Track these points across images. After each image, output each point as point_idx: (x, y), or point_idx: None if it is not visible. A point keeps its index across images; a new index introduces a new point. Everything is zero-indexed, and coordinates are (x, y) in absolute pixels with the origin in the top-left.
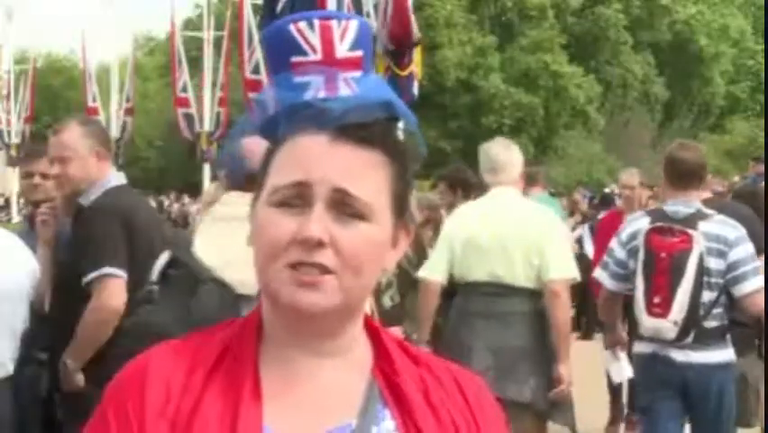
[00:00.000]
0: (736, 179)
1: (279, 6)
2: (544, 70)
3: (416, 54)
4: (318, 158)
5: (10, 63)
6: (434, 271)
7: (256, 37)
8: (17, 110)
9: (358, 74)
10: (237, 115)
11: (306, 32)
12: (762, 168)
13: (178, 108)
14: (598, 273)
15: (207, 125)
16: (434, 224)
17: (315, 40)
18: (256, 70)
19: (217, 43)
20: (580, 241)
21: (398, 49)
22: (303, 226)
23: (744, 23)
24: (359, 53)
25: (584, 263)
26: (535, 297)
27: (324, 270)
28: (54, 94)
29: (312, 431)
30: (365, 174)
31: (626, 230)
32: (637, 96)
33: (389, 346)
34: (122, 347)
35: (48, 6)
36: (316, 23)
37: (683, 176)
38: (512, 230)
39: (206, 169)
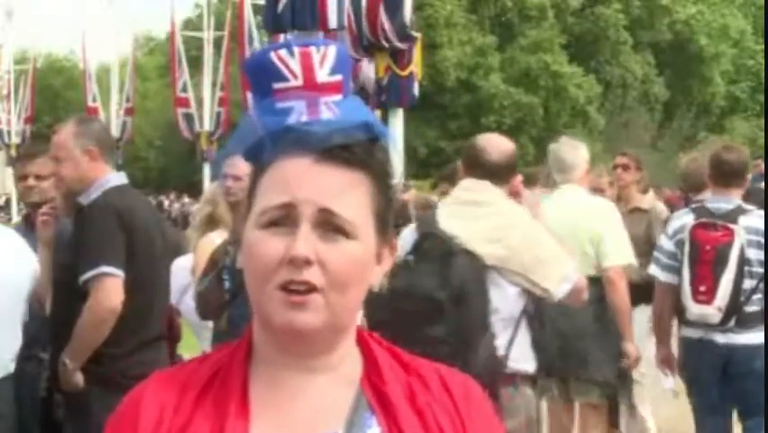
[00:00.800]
0: None
1: (281, 7)
2: (544, 70)
3: (416, 54)
4: (303, 179)
5: (10, 63)
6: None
7: (256, 37)
8: (17, 110)
9: (338, 97)
10: (237, 116)
11: (286, 59)
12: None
13: (178, 108)
14: (652, 269)
15: (207, 125)
16: None
17: (296, 66)
18: None
19: (217, 43)
20: None
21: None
22: (290, 246)
23: (744, 22)
24: (338, 78)
25: None
26: (595, 283)
27: (311, 287)
28: (54, 94)
29: None
30: (348, 194)
31: (672, 225)
32: (637, 96)
33: (379, 356)
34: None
35: (48, 6)
36: (296, 50)
37: (727, 175)
38: (571, 223)
39: (206, 168)
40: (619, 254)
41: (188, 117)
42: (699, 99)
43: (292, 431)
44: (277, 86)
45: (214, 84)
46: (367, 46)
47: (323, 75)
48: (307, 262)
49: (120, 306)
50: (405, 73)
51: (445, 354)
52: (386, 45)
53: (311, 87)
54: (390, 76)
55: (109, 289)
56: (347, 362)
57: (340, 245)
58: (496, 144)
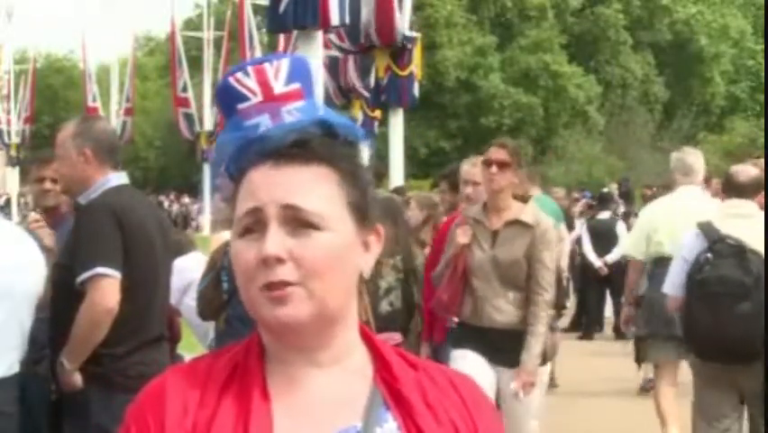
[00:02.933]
0: None
1: (282, 7)
2: (544, 70)
3: (416, 54)
4: (265, 183)
5: (10, 63)
6: (636, 252)
7: (256, 37)
8: (17, 110)
9: (300, 103)
10: None
11: (243, 80)
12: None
13: (178, 108)
14: None
15: (207, 125)
16: (433, 222)
17: (253, 84)
18: None
19: (217, 43)
20: (579, 241)
21: (389, 46)
22: (261, 248)
23: (744, 22)
24: (296, 86)
25: (582, 263)
26: None
27: (288, 284)
28: (54, 94)
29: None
30: (311, 188)
31: None
32: (637, 96)
33: (386, 354)
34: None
35: (48, 6)
36: (250, 69)
37: None
38: (693, 217)
39: (206, 168)
40: None
41: (188, 117)
42: (699, 99)
43: (313, 425)
44: (240, 106)
45: (214, 84)
46: (366, 45)
47: (279, 86)
48: (279, 261)
49: (116, 307)
50: (405, 73)
51: (751, 325)
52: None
53: (270, 98)
54: (390, 76)
55: (105, 290)
56: (354, 356)
57: (311, 238)
58: (744, 170)
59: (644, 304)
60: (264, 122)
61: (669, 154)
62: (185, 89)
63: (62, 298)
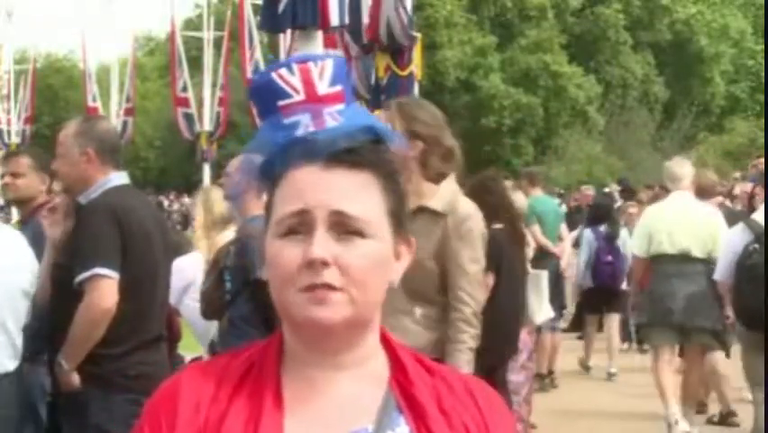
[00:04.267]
0: (737, 175)
1: (281, 7)
2: (544, 70)
3: (416, 54)
4: (314, 186)
5: (10, 63)
6: (640, 250)
7: (256, 37)
8: (17, 110)
9: (341, 106)
10: (237, 115)
11: (286, 76)
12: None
13: (178, 108)
14: None
15: (207, 125)
16: None
17: (297, 82)
18: (256, 70)
19: (217, 43)
20: (579, 240)
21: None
22: (307, 251)
23: (744, 23)
24: (338, 88)
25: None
26: (706, 263)
27: (332, 288)
28: (54, 94)
29: None
30: (359, 194)
31: None
32: (637, 96)
33: (404, 358)
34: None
35: (48, 6)
36: (295, 67)
37: None
38: (689, 219)
39: (206, 169)
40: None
41: (188, 117)
42: (699, 99)
43: (324, 426)
44: (281, 103)
45: (214, 84)
46: (365, 45)
47: (323, 87)
48: (324, 264)
49: (114, 307)
50: (405, 73)
51: None
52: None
53: (313, 99)
54: (390, 76)
55: (103, 290)
56: (373, 360)
57: (356, 246)
58: None
59: (646, 295)
60: (305, 121)
61: (669, 154)
62: (185, 89)
63: (61, 297)
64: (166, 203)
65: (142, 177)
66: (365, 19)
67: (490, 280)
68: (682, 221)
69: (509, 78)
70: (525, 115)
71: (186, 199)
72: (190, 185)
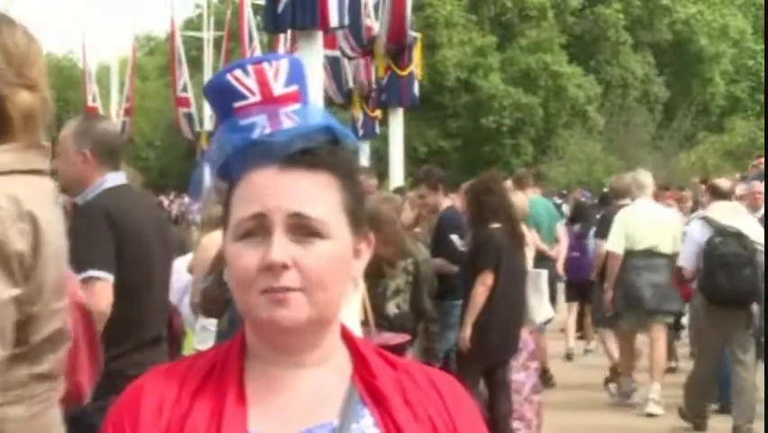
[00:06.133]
0: (737, 176)
1: (281, 7)
2: (544, 70)
3: (416, 54)
4: (271, 188)
5: None
6: (617, 247)
7: (256, 37)
8: None
9: (297, 106)
10: None
11: (242, 78)
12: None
13: (178, 108)
14: None
15: (207, 125)
16: (426, 220)
17: (252, 83)
18: None
19: (217, 43)
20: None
21: (395, 46)
22: (266, 254)
23: (744, 23)
24: (294, 88)
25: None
26: (669, 257)
27: (292, 290)
28: (54, 94)
29: (295, 430)
30: (316, 195)
31: None
32: (637, 96)
33: (366, 353)
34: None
35: (48, 6)
36: (250, 68)
37: None
38: (655, 220)
39: (206, 169)
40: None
41: (188, 117)
42: (699, 99)
43: (288, 420)
44: (237, 104)
45: None
46: (365, 46)
47: (278, 88)
48: (284, 268)
49: (108, 309)
50: (405, 73)
51: (751, 282)
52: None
53: (269, 100)
54: (390, 76)
55: (97, 292)
56: (335, 357)
57: (315, 247)
58: (724, 181)
59: (619, 286)
60: (261, 122)
61: (669, 154)
62: (185, 89)
63: None
64: (166, 203)
65: (142, 177)
66: (365, 20)
67: (489, 279)
68: (650, 222)
69: (509, 78)
70: (524, 114)
71: (186, 199)
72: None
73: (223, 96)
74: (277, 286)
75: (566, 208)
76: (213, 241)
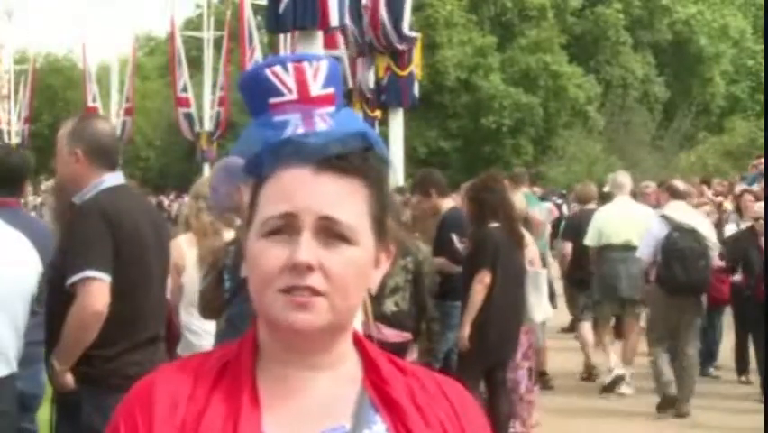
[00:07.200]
0: (737, 178)
1: (282, 7)
2: (544, 70)
3: (416, 54)
4: (303, 189)
5: (10, 63)
6: (592, 242)
7: (256, 37)
8: (17, 110)
9: (332, 109)
10: (237, 115)
11: (281, 74)
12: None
13: (178, 108)
14: None
15: (207, 125)
16: (420, 222)
17: (290, 81)
18: None
19: (217, 43)
20: None
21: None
22: (293, 253)
23: (744, 23)
24: (331, 90)
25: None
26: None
27: (315, 292)
28: (54, 94)
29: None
30: (347, 201)
31: None
32: (637, 96)
33: (377, 359)
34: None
35: (48, 6)
36: (290, 65)
37: None
38: (630, 217)
39: (206, 168)
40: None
41: (188, 117)
42: (699, 99)
43: (301, 423)
44: (273, 100)
45: (214, 84)
46: (365, 46)
47: (316, 88)
48: (309, 269)
49: (105, 310)
50: (405, 73)
51: (705, 273)
52: (383, 46)
53: (305, 100)
54: (390, 76)
55: (93, 293)
56: (346, 361)
57: (341, 252)
58: (680, 183)
59: (595, 278)
60: (295, 121)
61: (669, 154)
62: (185, 89)
63: (55, 298)
64: (166, 203)
65: (142, 177)
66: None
67: (487, 278)
68: (626, 218)
69: (509, 78)
70: (524, 114)
71: (185, 199)
72: (190, 185)
73: (259, 91)
74: (301, 285)
75: (566, 209)
76: (175, 244)
